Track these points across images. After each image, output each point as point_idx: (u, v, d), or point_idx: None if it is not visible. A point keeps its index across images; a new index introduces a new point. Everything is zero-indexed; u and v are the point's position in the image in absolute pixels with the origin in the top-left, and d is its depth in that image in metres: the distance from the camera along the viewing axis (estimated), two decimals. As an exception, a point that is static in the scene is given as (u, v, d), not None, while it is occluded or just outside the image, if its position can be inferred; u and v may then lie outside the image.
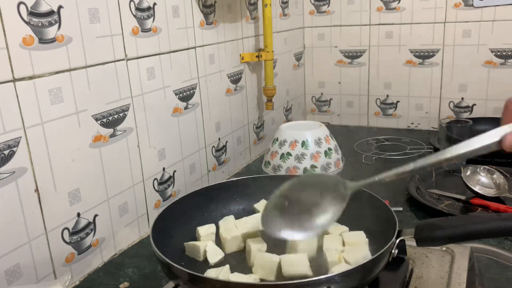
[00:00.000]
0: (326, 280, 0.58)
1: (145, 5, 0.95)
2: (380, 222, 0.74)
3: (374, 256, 0.62)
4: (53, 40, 0.76)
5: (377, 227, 0.75)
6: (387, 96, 1.70)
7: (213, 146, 1.24)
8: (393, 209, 0.73)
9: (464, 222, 0.62)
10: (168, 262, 0.63)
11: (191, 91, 1.12)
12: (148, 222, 1.02)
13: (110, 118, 0.89)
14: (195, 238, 0.80)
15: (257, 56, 1.36)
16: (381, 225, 0.73)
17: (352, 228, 0.78)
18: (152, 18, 0.97)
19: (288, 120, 1.69)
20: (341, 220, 0.80)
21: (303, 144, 1.09)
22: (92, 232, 0.87)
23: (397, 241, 0.66)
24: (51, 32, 0.76)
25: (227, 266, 0.69)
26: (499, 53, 1.51)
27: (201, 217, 0.85)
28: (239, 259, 0.76)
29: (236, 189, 0.90)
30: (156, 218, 0.75)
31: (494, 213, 0.60)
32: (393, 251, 0.66)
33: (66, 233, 0.82)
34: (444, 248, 0.77)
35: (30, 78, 0.73)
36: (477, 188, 1.04)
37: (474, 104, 1.58)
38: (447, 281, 0.69)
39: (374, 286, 0.68)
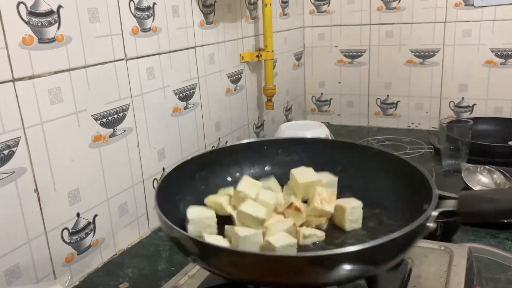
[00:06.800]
0: (345, 254, 0.49)
1: (144, 4, 0.95)
2: (412, 192, 0.65)
3: (408, 228, 0.51)
4: (52, 40, 0.76)
5: (408, 198, 0.65)
6: (388, 96, 1.70)
7: (213, 146, 1.24)
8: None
9: None
10: (189, 236, 0.55)
11: (191, 91, 1.12)
12: (148, 222, 1.02)
13: (110, 118, 0.89)
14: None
15: (257, 56, 1.36)
16: (412, 195, 0.64)
17: (377, 201, 0.71)
18: (152, 18, 0.97)
19: (288, 120, 1.69)
20: (362, 192, 0.73)
21: (303, 144, 1.09)
22: (92, 232, 0.87)
23: (436, 213, 0.55)
24: (51, 32, 0.76)
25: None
26: (499, 53, 1.50)
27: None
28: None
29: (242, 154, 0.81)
30: (157, 189, 0.66)
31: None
32: (430, 224, 0.55)
33: (65, 233, 0.82)
34: (442, 248, 0.77)
35: (30, 78, 0.73)
36: (477, 188, 1.04)
37: (474, 104, 1.58)
38: (446, 280, 0.69)
39: (373, 285, 0.68)
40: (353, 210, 0.68)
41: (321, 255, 0.50)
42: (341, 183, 0.75)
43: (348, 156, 0.79)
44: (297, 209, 0.67)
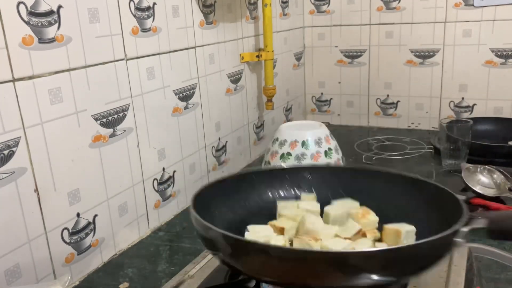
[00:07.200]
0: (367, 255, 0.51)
1: (144, 4, 0.95)
2: (439, 213, 0.65)
3: (435, 237, 0.51)
4: (52, 40, 0.76)
5: (436, 218, 0.65)
6: (388, 96, 1.70)
7: (213, 146, 1.24)
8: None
9: None
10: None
11: (191, 91, 1.12)
12: (148, 222, 1.02)
13: (110, 118, 0.89)
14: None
15: (257, 56, 1.36)
16: (440, 216, 0.64)
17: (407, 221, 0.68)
18: (152, 18, 0.97)
19: (288, 120, 1.69)
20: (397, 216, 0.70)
21: (303, 144, 1.09)
22: (92, 232, 0.87)
23: (466, 230, 0.54)
24: (51, 32, 0.76)
25: None
26: (499, 53, 1.50)
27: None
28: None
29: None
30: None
31: None
32: (458, 239, 0.55)
33: (65, 233, 0.82)
34: (443, 248, 0.77)
35: (30, 78, 0.73)
36: (477, 188, 1.04)
37: (474, 104, 1.58)
38: (446, 281, 0.69)
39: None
40: (407, 234, 0.65)
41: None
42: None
43: (371, 183, 0.77)
44: (364, 235, 0.66)
